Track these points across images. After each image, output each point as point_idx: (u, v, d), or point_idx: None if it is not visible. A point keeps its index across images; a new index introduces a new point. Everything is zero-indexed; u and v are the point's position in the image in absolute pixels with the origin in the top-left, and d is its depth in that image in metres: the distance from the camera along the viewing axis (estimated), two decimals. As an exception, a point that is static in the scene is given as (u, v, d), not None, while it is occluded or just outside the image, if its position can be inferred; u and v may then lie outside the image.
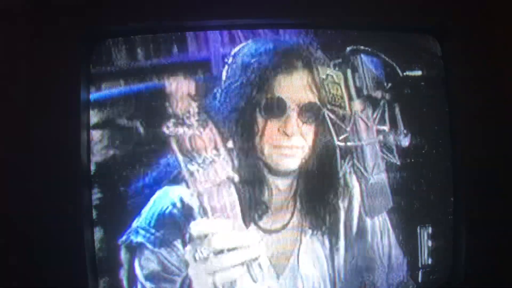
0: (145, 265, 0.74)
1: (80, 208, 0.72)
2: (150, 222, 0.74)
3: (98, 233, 0.74)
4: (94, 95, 0.74)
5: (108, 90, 0.74)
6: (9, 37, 0.73)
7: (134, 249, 0.74)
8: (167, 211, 0.74)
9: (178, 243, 0.74)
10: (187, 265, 0.74)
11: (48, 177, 0.71)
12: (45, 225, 0.71)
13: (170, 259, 0.74)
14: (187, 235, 0.74)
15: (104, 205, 0.74)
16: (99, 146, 0.74)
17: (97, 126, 0.74)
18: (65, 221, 0.71)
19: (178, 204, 0.74)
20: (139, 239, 0.74)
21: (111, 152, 0.74)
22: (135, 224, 0.74)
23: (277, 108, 0.75)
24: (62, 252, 0.71)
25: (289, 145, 0.76)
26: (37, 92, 0.72)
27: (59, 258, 0.71)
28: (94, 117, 0.74)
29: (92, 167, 0.73)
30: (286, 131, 0.75)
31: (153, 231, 0.74)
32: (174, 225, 0.74)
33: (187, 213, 0.74)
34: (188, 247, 0.74)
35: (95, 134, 0.74)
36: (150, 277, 0.74)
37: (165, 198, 0.74)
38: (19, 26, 0.73)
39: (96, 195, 0.74)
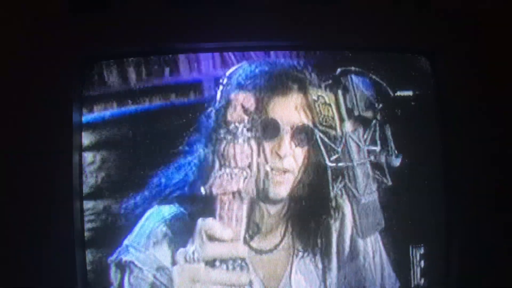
0: (134, 283, 0.74)
1: (72, 229, 0.72)
2: (140, 240, 0.74)
3: (89, 254, 0.74)
4: (86, 117, 0.74)
5: (100, 112, 0.74)
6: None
7: (124, 267, 0.74)
8: (158, 229, 0.75)
9: (167, 262, 0.74)
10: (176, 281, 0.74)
11: (40, 199, 0.71)
12: (36, 246, 0.71)
13: (159, 278, 0.74)
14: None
15: (96, 226, 0.74)
16: (91, 168, 0.74)
17: (88, 148, 0.74)
18: (57, 242, 0.71)
19: (169, 223, 0.75)
20: (129, 257, 0.74)
21: (102, 173, 0.74)
22: (125, 242, 0.75)
23: (270, 130, 0.76)
24: (53, 273, 0.71)
25: (281, 168, 0.76)
26: (29, 114, 0.72)
27: (50, 278, 0.71)
28: (86, 139, 0.74)
29: (84, 189, 0.74)
30: (279, 152, 0.76)
31: (143, 249, 0.74)
32: (164, 243, 0.74)
33: (178, 232, 0.75)
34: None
35: (87, 156, 0.74)
36: None
37: (157, 216, 0.75)
38: (11, 47, 0.74)
39: (87, 216, 0.74)
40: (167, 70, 0.75)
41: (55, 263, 0.71)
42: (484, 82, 0.81)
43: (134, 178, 0.74)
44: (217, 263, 0.74)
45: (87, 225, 0.74)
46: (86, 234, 0.74)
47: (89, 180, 0.74)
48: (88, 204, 0.74)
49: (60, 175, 0.72)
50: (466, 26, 0.81)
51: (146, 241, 0.74)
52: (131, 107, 0.75)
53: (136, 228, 0.75)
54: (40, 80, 0.72)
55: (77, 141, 0.73)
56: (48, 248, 0.71)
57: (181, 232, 0.74)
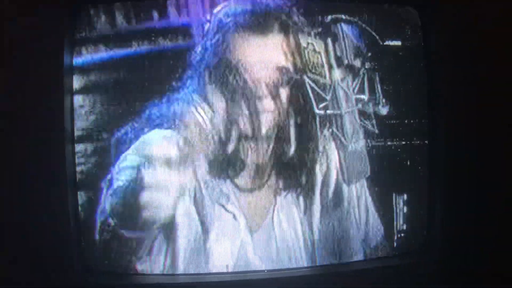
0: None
1: (64, 171, 0.73)
2: (136, 146, 0.76)
3: (83, 192, 0.76)
4: (76, 61, 0.74)
5: (90, 55, 0.74)
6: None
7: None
8: (158, 138, 0.76)
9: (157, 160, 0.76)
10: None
11: (33, 143, 0.72)
12: (30, 190, 0.72)
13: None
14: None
15: (88, 165, 0.76)
16: (81, 110, 0.75)
17: (79, 91, 0.75)
18: (50, 184, 0.73)
19: (164, 140, 0.76)
20: (124, 163, 0.75)
21: (92, 116, 0.75)
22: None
23: (248, 69, 0.76)
24: (47, 215, 0.73)
25: (261, 107, 0.77)
26: (21, 59, 0.72)
27: (44, 220, 0.72)
28: (77, 82, 0.74)
29: (76, 131, 0.75)
30: (257, 92, 0.77)
31: (141, 154, 0.75)
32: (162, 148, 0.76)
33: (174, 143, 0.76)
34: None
35: (78, 98, 0.75)
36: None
37: (154, 135, 0.76)
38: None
39: (79, 158, 0.75)
40: (155, 13, 0.75)
41: (49, 206, 0.72)
42: (471, 33, 0.82)
43: (126, 111, 0.75)
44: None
45: (79, 168, 0.75)
46: (79, 175, 0.75)
47: (80, 122, 0.75)
48: (79, 146, 0.75)
49: (52, 118, 0.72)
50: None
51: (143, 149, 0.76)
52: (121, 51, 0.75)
53: (132, 146, 0.76)
54: (29, 25, 0.72)
55: (69, 84, 0.74)
56: (41, 191, 0.72)
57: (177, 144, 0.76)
